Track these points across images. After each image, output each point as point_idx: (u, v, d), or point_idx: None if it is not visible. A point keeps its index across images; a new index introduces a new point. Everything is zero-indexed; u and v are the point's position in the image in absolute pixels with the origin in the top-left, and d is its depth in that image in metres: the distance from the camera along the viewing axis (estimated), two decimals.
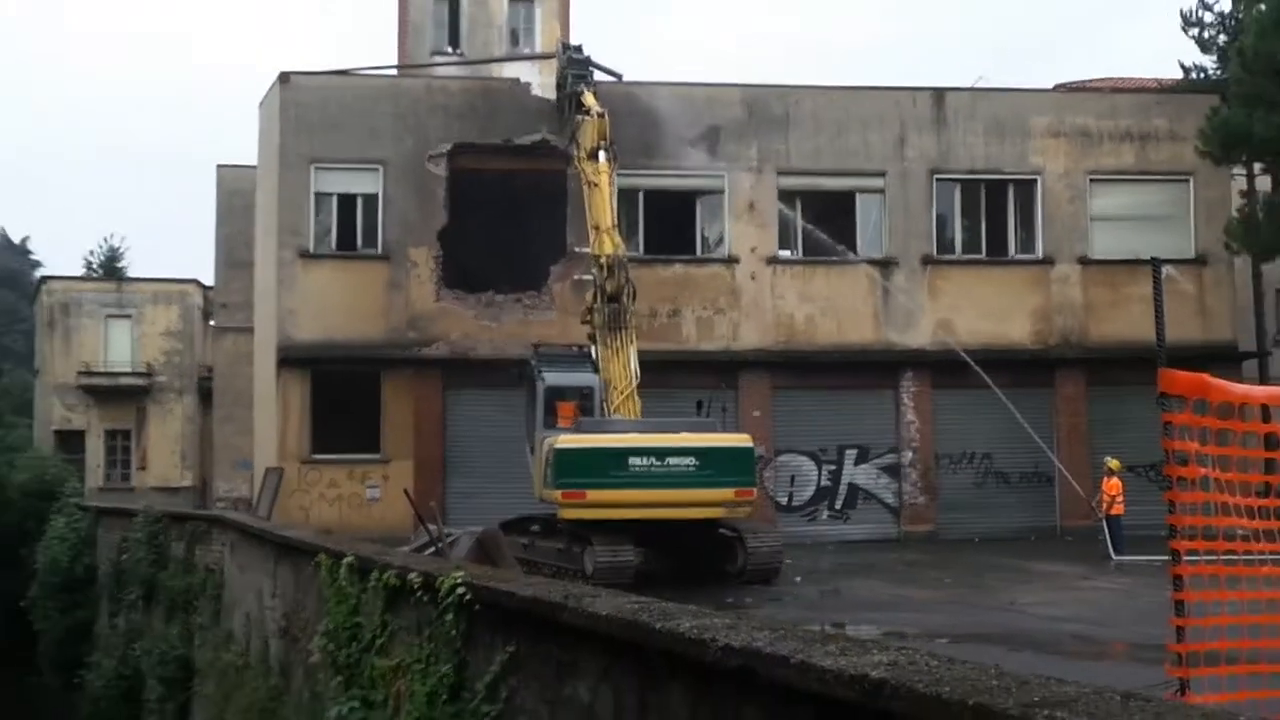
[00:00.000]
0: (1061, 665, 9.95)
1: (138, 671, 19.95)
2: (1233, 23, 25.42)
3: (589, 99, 20.98)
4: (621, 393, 17.50)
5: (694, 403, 17.95)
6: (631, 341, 18.07)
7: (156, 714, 18.59)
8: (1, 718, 29.74)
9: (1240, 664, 4.13)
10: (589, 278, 23.28)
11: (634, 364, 17.86)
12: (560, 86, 23.00)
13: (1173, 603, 4.13)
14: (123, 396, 43.30)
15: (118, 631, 22.55)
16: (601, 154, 20.09)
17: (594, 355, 18.47)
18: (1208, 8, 26.57)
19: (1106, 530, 19.98)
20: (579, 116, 20.85)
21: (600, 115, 20.46)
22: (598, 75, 22.49)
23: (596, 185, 19.84)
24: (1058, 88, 29.09)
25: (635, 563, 15.11)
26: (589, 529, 15.66)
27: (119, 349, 43.80)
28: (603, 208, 19.55)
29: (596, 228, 19.44)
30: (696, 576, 15.84)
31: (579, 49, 22.86)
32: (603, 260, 18.75)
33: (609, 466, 15.55)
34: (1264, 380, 25.83)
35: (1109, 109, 25.74)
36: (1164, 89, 27.65)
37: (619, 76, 23.33)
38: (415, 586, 6.79)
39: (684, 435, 16.19)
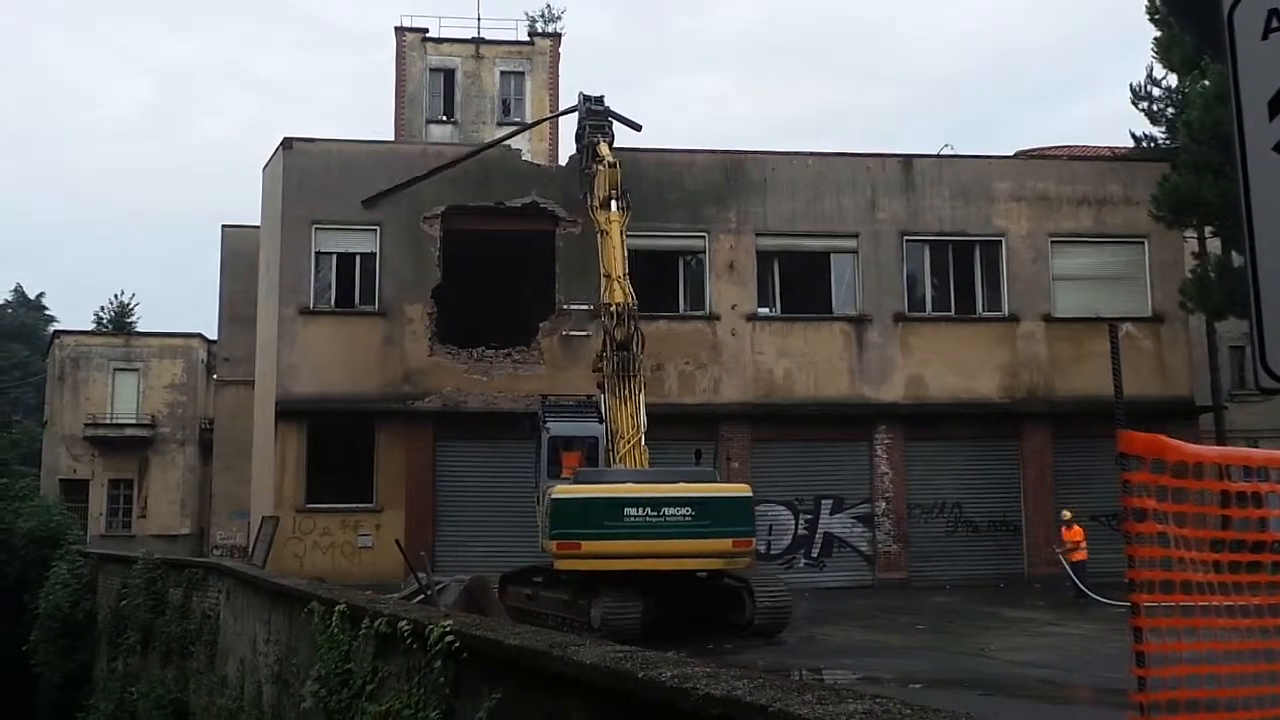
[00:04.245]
0: (1030, 710, 9.88)
1: (134, 715, 19.60)
2: (1179, 96, 25.92)
3: (603, 149, 20.64)
4: (628, 441, 16.63)
5: (693, 452, 17.37)
6: (640, 390, 17.30)
7: None
8: None
9: (1199, 712, 4.12)
10: (579, 334, 23.35)
11: (643, 413, 17.07)
12: (579, 138, 22.69)
13: (1133, 654, 4.12)
14: (127, 447, 42.98)
15: (116, 676, 22.15)
16: (613, 203, 19.59)
17: (600, 405, 17.74)
18: (1155, 83, 27.16)
19: (1073, 575, 19.96)
20: (594, 166, 20.53)
21: (612, 165, 20.05)
22: (618, 127, 22.25)
23: (608, 234, 19.35)
24: (1018, 154, 29.48)
25: (642, 615, 14.24)
26: (595, 580, 14.69)
27: (125, 401, 43.53)
28: (613, 256, 18.99)
29: (608, 276, 18.83)
30: (703, 628, 15.06)
31: (599, 100, 22.49)
32: (613, 308, 18.15)
33: (604, 517, 14.63)
34: (1220, 433, 25.97)
35: (1067, 175, 26.08)
36: (1117, 157, 28.04)
37: (638, 127, 22.92)
38: (405, 634, 6.71)
39: (680, 485, 15.29)
